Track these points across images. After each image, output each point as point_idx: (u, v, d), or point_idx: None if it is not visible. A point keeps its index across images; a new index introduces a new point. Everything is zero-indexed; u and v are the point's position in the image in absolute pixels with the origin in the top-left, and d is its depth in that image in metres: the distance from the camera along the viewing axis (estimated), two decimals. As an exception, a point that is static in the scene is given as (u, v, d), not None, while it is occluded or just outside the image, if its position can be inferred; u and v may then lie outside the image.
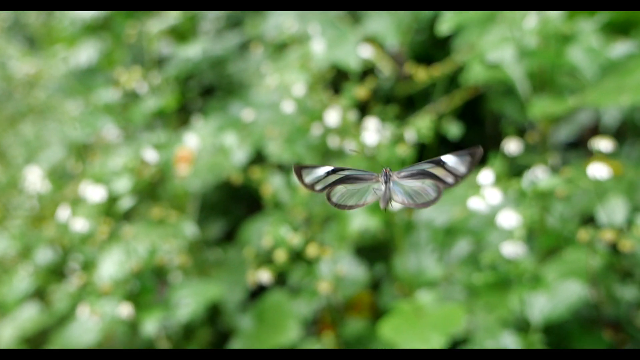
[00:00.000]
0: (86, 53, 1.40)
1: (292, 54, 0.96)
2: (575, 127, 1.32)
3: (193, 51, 0.94)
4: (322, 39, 0.92)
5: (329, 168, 0.43)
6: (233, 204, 1.42)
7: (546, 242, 0.86)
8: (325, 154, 0.93)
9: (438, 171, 0.42)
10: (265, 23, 1.30)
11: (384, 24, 1.11)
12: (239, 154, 1.00)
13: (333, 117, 0.72)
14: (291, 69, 0.84)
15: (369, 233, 0.75)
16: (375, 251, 0.92)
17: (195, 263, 1.05)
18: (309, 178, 0.43)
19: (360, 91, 0.75)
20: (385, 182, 0.43)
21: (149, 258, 0.78)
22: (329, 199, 0.44)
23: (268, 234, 0.72)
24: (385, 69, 1.16)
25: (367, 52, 0.88)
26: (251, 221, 1.15)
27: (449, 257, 0.90)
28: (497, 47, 0.85)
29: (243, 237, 1.14)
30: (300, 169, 0.43)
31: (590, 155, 1.32)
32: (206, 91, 1.49)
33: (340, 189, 0.43)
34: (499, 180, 0.59)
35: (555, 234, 0.86)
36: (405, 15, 1.18)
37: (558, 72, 0.77)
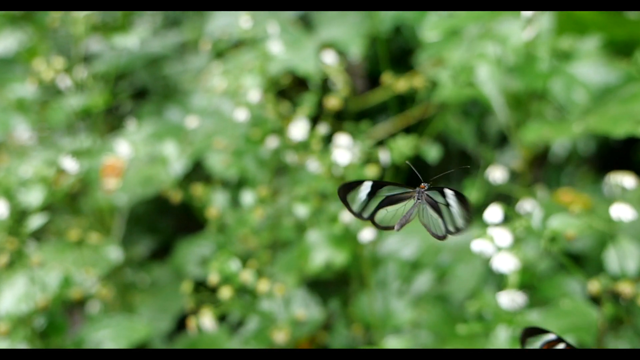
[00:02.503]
0: (3, 43, 1.22)
1: (245, 55, 0.83)
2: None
3: (131, 41, 0.79)
4: (280, 41, 0.79)
5: (368, 186, 0.39)
6: (161, 218, 1.26)
7: (521, 280, 0.76)
8: (279, 171, 0.80)
9: (445, 212, 0.39)
10: (210, 23, 1.16)
11: (344, 31, 0.99)
12: (177, 166, 0.85)
13: (298, 130, 0.59)
14: (245, 71, 0.70)
15: (334, 268, 0.63)
16: (328, 285, 0.79)
17: (116, 287, 0.89)
18: (355, 205, 0.40)
19: (332, 101, 0.62)
20: (418, 199, 0.39)
21: (61, 290, 0.62)
22: (374, 224, 0.41)
23: (214, 268, 0.58)
24: (339, 81, 1.05)
25: (330, 58, 0.76)
26: (186, 242, 1.00)
27: (410, 294, 0.79)
28: (474, 64, 0.75)
29: (176, 260, 0.98)
30: (345, 194, 0.40)
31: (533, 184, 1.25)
32: (139, 93, 1.33)
33: (382, 212, 0.40)
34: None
35: (530, 271, 0.77)
36: (365, 24, 1.07)
37: (546, 95, 0.67)
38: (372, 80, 1.19)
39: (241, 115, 0.69)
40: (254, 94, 0.69)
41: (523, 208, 0.63)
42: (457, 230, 0.38)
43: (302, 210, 0.59)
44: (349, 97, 1.16)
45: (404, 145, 0.59)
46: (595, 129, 0.55)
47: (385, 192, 0.39)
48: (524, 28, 0.58)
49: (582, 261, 0.88)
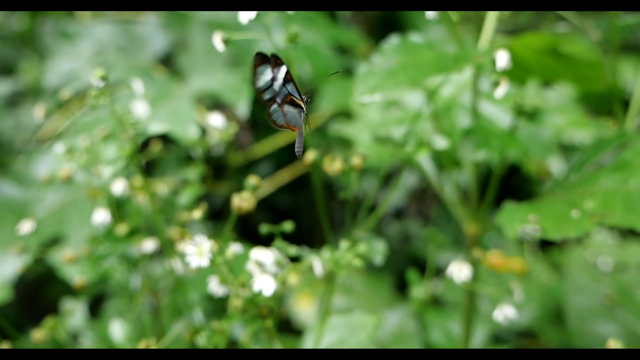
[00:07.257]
0: None
1: (97, 117, 0.58)
2: (403, 191, 1.13)
3: None
4: (144, 98, 0.55)
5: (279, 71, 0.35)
6: None
7: None
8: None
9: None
10: (50, 70, 0.89)
11: (221, 78, 0.77)
12: (8, 269, 0.58)
13: (200, 253, 0.36)
14: (99, 149, 0.46)
15: None
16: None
17: None
18: (261, 81, 0.35)
19: (242, 200, 0.39)
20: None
21: None
22: (269, 116, 0.37)
23: None
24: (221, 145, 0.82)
25: (218, 121, 0.54)
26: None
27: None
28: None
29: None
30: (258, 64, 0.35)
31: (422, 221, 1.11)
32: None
33: (283, 108, 0.36)
34: None
35: None
36: (240, 68, 0.87)
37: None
38: (255, 130, 0.98)
39: (99, 216, 0.44)
40: (118, 185, 0.45)
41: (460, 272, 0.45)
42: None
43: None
44: (227, 152, 0.95)
45: (347, 254, 0.38)
46: (609, 221, 0.38)
47: (290, 89, 0.35)
48: (495, 83, 0.40)
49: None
